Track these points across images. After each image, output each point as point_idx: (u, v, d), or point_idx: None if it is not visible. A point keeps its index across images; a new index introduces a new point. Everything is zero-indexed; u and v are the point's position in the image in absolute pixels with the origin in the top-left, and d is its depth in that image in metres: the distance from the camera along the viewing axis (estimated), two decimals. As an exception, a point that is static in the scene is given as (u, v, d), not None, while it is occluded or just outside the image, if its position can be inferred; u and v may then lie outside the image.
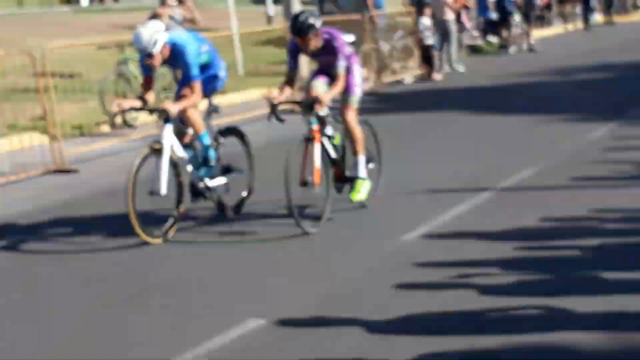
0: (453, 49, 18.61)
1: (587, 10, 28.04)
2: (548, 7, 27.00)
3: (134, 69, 12.41)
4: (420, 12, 17.45)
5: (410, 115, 13.10)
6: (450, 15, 18.43)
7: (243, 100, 13.78)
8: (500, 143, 10.54)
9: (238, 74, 16.55)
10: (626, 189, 7.90)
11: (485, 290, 5.54)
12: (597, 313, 5.07)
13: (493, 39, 22.95)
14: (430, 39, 17.41)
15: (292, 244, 6.88)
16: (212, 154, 7.50)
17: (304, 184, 7.06)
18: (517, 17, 21.86)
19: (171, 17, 12.50)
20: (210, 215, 7.82)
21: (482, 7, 22.04)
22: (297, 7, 17.55)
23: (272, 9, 24.50)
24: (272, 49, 16.76)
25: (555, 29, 27.55)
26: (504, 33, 21.90)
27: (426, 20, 17.48)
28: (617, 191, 7.86)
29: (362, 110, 13.73)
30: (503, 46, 21.94)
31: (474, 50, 21.42)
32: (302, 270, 6.22)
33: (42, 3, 56.62)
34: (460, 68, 18.56)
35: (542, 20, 26.48)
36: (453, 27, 18.49)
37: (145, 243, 6.87)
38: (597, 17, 29.19)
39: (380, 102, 14.75)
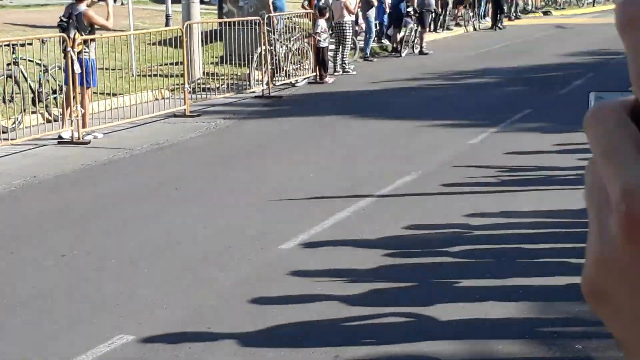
0: (347, 52, 18.88)
1: (498, 11, 29.10)
2: (443, 10, 27.53)
3: (23, 71, 12.22)
4: (320, 14, 17.64)
5: (299, 118, 13.25)
6: (348, 18, 18.67)
7: (134, 103, 13.69)
8: (384, 147, 10.79)
9: (132, 75, 16.41)
10: (497, 195, 8.23)
11: (357, 300, 5.72)
12: (460, 321, 5.31)
13: (387, 41, 23.32)
14: (325, 42, 17.61)
15: (163, 254, 6.92)
16: None
17: None
18: (410, 20, 22.26)
19: None
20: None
21: (379, 10, 22.35)
22: (196, 9, 17.54)
23: (170, 8, 24.31)
24: (168, 48, 16.71)
25: (450, 32, 28.14)
26: (397, 36, 22.27)
27: (323, 23, 17.67)
28: (489, 196, 8.18)
29: (253, 113, 14.00)
30: (395, 49, 22.31)
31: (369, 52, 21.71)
32: (173, 282, 6.27)
33: None
34: (352, 71, 18.84)
35: (437, 24, 27.00)
36: (349, 30, 18.74)
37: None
38: (487, 22, 29.98)
39: (271, 105, 14.87)
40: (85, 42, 11.89)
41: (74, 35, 11.81)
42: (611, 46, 21.93)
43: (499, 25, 29.24)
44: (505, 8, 30.13)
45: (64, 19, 12.18)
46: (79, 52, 11.83)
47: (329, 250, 6.84)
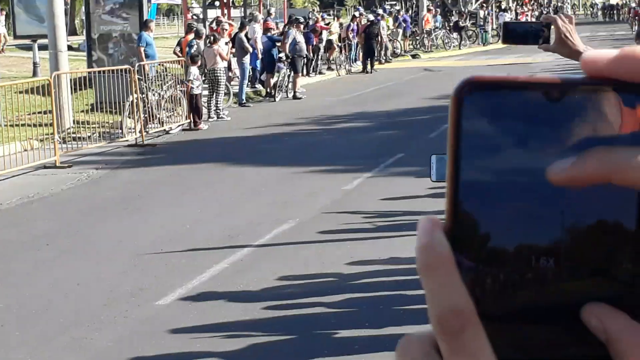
0: (220, 98, 18.90)
1: (369, 55, 29.78)
2: (315, 54, 27.94)
3: None
4: (192, 62, 17.62)
5: (174, 167, 13.13)
6: (221, 64, 18.72)
7: (1, 154, 13.27)
8: (260, 196, 10.80)
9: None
10: (373, 242, 8.35)
11: (237, 355, 5.68)
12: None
13: (260, 86, 23.49)
14: (198, 89, 17.58)
15: (35, 315, 6.69)
16: None
17: None
18: (283, 66, 22.50)
19: None
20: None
21: (252, 55, 22.50)
22: (64, 58, 17.21)
23: (38, 55, 23.84)
24: (36, 97, 16.32)
25: (322, 76, 28.57)
26: (271, 81, 22.46)
27: (195, 70, 17.66)
28: (365, 243, 8.30)
29: (127, 162, 13.79)
30: (269, 94, 22.49)
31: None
32: (46, 345, 6.06)
33: None
34: (227, 117, 18.87)
35: (309, 68, 27.37)
36: (223, 77, 18.79)
37: None
38: (359, 65, 30.59)
39: (145, 154, 14.69)
40: None
41: None
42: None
43: (371, 69, 29.88)
44: (375, 52, 30.82)
45: None
46: None
47: (208, 303, 6.78)
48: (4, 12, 33.82)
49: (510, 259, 0.47)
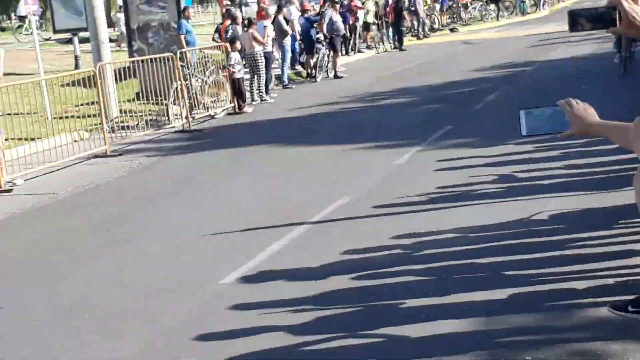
0: (262, 81, 18.96)
1: (399, 32, 29.64)
2: (352, 34, 27.88)
3: None
4: (232, 47, 17.69)
5: (223, 150, 13.21)
6: (258, 48, 18.77)
7: (53, 146, 13.45)
8: (312, 174, 10.82)
9: (46, 118, 16.13)
10: (429, 213, 8.34)
11: (304, 329, 5.71)
12: (411, 340, 5.36)
13: (300, 68, 23.51)
14: (240, 73, 17.65)
15: (101, 299, 6.79)
16: None
17: None
18: (321, 46, 22.50)
19: None
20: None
21: (291, 37, 22.51)
22: (106, 49, 17.35)
23: (78, 48, 24.04)
24: (81, 89, 16.50)
25: (361, 54, 28.51)
26: (311, 61, 22.47)
27: (235, 54, 17.72)
28: (421, 215, 8.28)
29: (175, 148, 13.90)
30: (310, 75, 22.50)
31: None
32: (116, 327, 6.15)
33: None
34: (270, 99, 18.93)
35: (348, 47, 27.32)
36: (261, 60, 18.83)
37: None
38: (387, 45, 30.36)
39: (193, 139, 14.79)
40: None
41: None
42: (517, 59, 22.55)
43: (399, 46, 29.76)
44: (403, 30, 30.67)
45: None
46: None
47: (270, 281, 6.82)
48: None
49: None
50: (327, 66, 22.81)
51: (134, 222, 9.26)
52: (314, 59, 22.42)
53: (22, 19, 35.94)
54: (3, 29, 66.50)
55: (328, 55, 22.78)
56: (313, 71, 22.34)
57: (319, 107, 16.97)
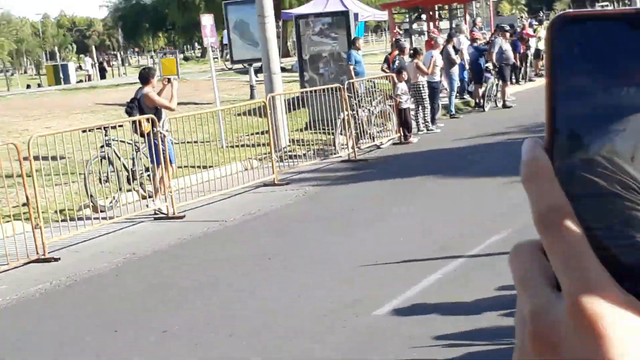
0: (427, 111, 19.06)
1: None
2: (523, 62, 27.50)
3: (116, 151, 12.74)
4: (399, 77, 17.91)
5: (386, 181, 13.39)
6: (422, 79, 18.91)
7: (225, 174, 14.09)
8: (472, 206, 10.81)
9: (220, 146, 16.89)
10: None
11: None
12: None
13: (468, 97, 23.44)
14: (407, 103, 17.83)
15: (261, 326, 7.07)
16: None
17: None
18: (490, 75, 22.35)
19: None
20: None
21: (459, 67, 22.52)
22: (278, 80, 17.95)
23: (254, 78, 24.98)
24: (254, 118, 17.16)
25: (532, 83, 28.05)
26: (479, 91, 22.36)
27: (402, 85, 17.92)
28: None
29: (340, 178, 14.20)
30: (478, 104, 22.39)
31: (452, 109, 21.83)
32: (272, 354, 6.39)
33: (31, 82, 57.50)
34: (437, 129, 19.00)
35: (518, 76, 26.98)
36: (425, 91, 18.94)
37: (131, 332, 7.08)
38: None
39: (358, 169, 15.06)
40: (153, 122, 12.20)
41: (153, 117, 12.18)
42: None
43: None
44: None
45: (130, 103, 12.67)
46: (154, 133, 12.16)
47: (423, 314, 6.90)
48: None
49: (603, 166, 0.55)
50: (495, 95, 22.63)
51: (297, 250, 9.56)
52: (483, 88, 22.30)
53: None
54: (187, 59, 69.83)
55: (497, 85, 22.60)
56: (481, 100, 22.23)
57: (485, 138, 16.87)
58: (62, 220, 11.11)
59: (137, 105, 12.39)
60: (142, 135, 12.33)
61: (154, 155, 12.18)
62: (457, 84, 21.85)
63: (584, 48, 0.58)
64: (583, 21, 0.58)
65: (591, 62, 0.57)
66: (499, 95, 22.66)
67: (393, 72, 18.65)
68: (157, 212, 12.11)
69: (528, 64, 28.13)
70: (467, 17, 33.77)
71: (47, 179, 13.21)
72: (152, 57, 60.05)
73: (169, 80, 12.76)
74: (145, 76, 12.61)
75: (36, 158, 13.66)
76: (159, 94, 12.62)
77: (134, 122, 12.36)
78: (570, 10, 0.60)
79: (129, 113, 12.60)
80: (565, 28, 0.58)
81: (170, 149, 12.51)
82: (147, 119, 12.15)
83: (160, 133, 12.21)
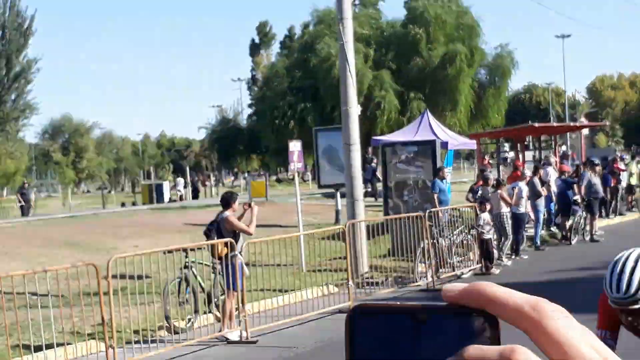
0: (508, 242, 18.85)
1: None
2: (614, 195, 27.07)
3: (195, 272, 12.93)
4: (481, 207, 17.85)
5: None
6: (505, 209, 18.78)
7: (302, 299, 14.11)
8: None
9: (301, 270, 16.98)
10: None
11: None
12: None
13: (555, 229, 23.11)
14: (489, 233, 17.69)
15: None
16: None
17: None
18: (578, 208, 22.05)
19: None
20: None
21: (547, 198, 22.33)
22: (360, 206, 18.04)
23: (340, 203, 25.24)
24: (337, 242, 17.25)
25: (622, 217, 27.51)
26: (567, 224, 22.05)
27: (486, 215, 17.83)
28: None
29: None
30: (565, 237, 22.03)
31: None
32: None
33: (126, 200, 59.33)
34: (520, 260, 18.75)
35: (607, 210, 26.53)
36: (508, 222, 18.78)
37: None
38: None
39: (436, 299, 14.81)
40: (231, 247, 12.34)
41: (231, 241, 12.33)
42: None
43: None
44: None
45: (209, 225, 12.91)
46: (230, 257, 12.29)
47: None
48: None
49: None
50: (583, 229, 22.26)
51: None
52: (570, 221, 21.99)
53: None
54: (279, 181, 71.05)
55: (585, 218, 22.26)
56: (568, 233, 21.88)
57: (570, 272, 16.51)
58: (135, 342, 11.22)
59: (217, 228, 12.63)
60: (219, 258, 12.50)
61: (229, 280, 12.29)
62: (542, 215, 21.61)
63: (375, 337, 0.67)
64: (374, 314, 0.67)
65: (380, 350, 0.67)
66: (587, 228, 22.28)
67: (477, 201, 18.60)
68: (220, 338, 12.09)
69: (619, 198, 27.65)
70: (557, 148, 33.64)
71: (130, 297, 13.48)
72: (244, 178, 61.40)
73: (249, 205, 12.99)
74: (227, 200, 12.88)
75: (122, 277, 13.99)
76: (239, 218, 12.85)
77: (212, 245, 12.56)
78: (363, 303, 0.70)
79: (207, 235, 12.84)
80: (361, 318, 0.67)
81: (240, 275, 12.51)
82: (225, 243, 12.33)
83: (237, 257, 12.35)
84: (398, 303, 0.68)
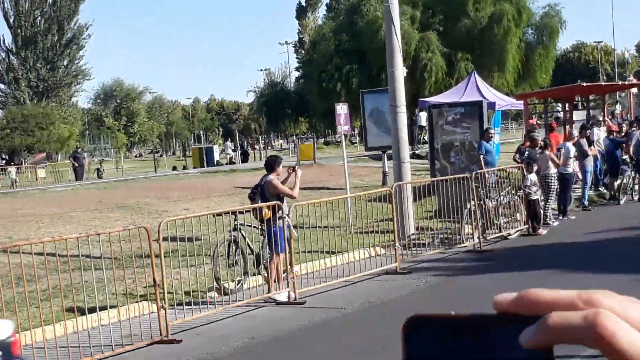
0: (552, 204, 18.78)
1: None
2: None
3: (244, 234, 13.17)
4: (528, 168, 17.80)
5: (511, 273, 13.21)
6: (552, 170, 18.70)
7: (349, 261, 14.31)
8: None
9: (348, 232, 17.15)
10: None
11: None
12: None
13: (604, 189, 22.93)
14: (536, 194, 17.65)
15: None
16: None
17: None
18: (627, 168, 21.86)
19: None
20: None
21: (594, 159, 22.16)
22: (406, 168, 18.11)
23: (386, 165, 25.33)
24: (384, 204, 17.35)
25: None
26: (615, 184, 21.87)
27: (533, 176, 17.78)
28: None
29: (464, 269, 14.13)
30: (613, 197, 21.87)
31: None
32: None
33: (177, 164, 59.94)
34: (568, 220, 18.69)
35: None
36: (554, 183, 18.70)
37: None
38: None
39: (483, 260, 14.94)
40: (274, 210, 12.51)
41: (276, 204, 12.47)
42: None
43: None
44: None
45: (253, 189, 13.08)
46: (273, 220, 12.45)
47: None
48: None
49: None
50: (632, 188, 22.06)
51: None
52: (618, 181, 21.81)
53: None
54: (327, 143, 71.16)
55: (633, 178, 22.05)
56: (616, 193, 21.72)
57: (618, 232, 16.44)
58: (186, 303, 11.51)
59: (261, 191, 12.81)
60: (262, 221, 12.70)
61: (272, 243, 12.48)
62: (590, 176, 21.46)
63: (430, 348, 0.69)
64: (429, 322, 0.70)
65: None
66: (635, 188, 22.09)
67: (524, 162, 18.55)
68: (268, 300, 12.31)
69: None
70: (606, 108, 33.21)
71: (181, 259, 13.80)
72: (293, 141, 61.64)
73: (293, 169, 13.15)
74: (271, 164, 13.04)
75: (173, 239, 14.29)
76: (283, 182, 13.02)
77: (254, 208, 12.76)
78: (419, 314, 0.71)
79: (252, 199, 13.05)
80: (416, 329, 0.69)
81: (282, 239, 12.57)
82: (268, 207, 12.50)
83: (283, 220, 12.54)
84: (452, 313, 0.69)
